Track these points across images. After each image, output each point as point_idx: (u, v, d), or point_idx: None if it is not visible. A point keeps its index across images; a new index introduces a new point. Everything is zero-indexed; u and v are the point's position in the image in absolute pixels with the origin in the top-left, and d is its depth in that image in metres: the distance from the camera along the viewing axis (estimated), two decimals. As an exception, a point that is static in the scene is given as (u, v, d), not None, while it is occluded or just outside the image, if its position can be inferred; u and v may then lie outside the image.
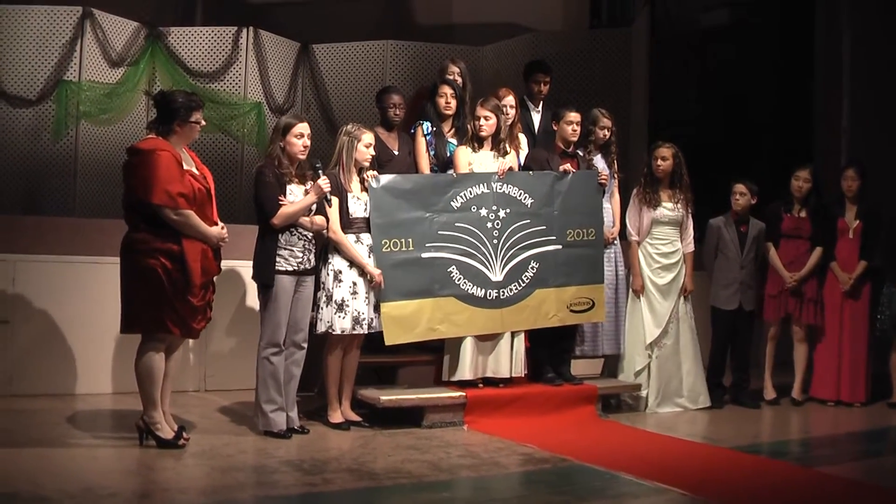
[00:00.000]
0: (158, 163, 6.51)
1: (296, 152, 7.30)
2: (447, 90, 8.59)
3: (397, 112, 8.57)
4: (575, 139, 8.69)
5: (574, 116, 8.62)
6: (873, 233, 9.64)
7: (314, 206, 7.36)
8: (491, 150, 8.41)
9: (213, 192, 6.92)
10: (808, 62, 14.16)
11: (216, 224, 6.82)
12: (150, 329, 6.64)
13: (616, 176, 9.06)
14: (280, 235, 7.22)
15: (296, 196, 7.28)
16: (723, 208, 9.73)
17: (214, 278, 6.93)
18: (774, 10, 15.10)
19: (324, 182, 7.28)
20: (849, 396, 9.59)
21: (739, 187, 9.55)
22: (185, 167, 6.69)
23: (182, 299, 6.56)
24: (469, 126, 8.48)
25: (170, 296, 6.52)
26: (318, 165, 7.40)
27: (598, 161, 8.89)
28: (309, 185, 7.38)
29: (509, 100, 8.65)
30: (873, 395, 9.67)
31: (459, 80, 8.84)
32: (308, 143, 7.36)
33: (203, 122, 6.88)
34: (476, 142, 8.38)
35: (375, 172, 7.87)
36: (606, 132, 8.92)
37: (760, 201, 9.67)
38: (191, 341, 8.65)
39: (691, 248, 9.23)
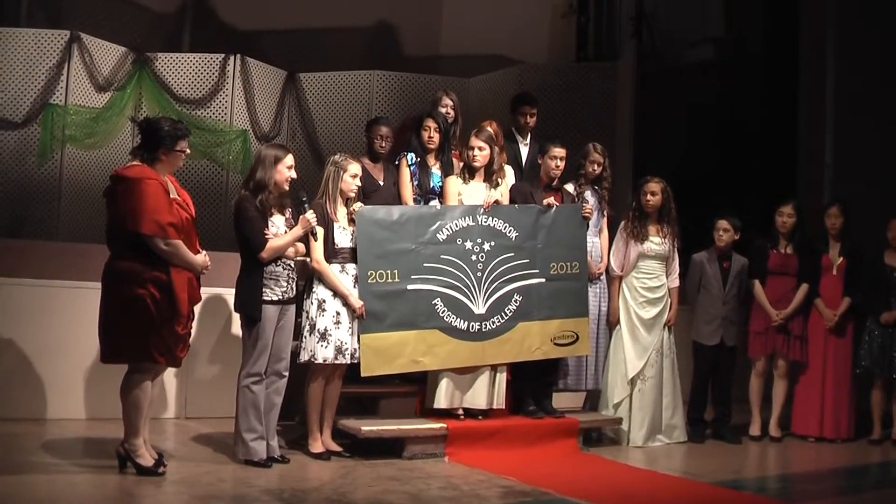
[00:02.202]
0: (146, 192, 6.48)
1: (283, 182, 7.30)
2: (431, 124, 8.59)
3: (383, 144, 8.61)
4: (557, 174, 8.67)
5: (558, 152, 8.62)
6: (857, 270, 9.67)
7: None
8: (483, 181, 8.42)
9: (194, 218, 6.91)
10: (792, 98, 14.24)
11: (199, 252, 6.80)
12: (135, 359, 6.61)
13: (606, 213, 9.07)
14: (265, 267, 7.22)
15: (278, 226, 7.28)
16: (706, 243, 9.74)
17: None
18: (759, 46, 15.21)
19: (311, 216, 7.29)
20: (831, 433, 9.59)
21: (723, 223, 9.57)
22: (171, 195, 6.67)
23: (169, 328, 6.53)
24: (461, 156, 8.50)
25: (157, 325, 6.49)
26: (304, 199, 7.39)
27: (589, 196, 8.91)
28: (289, 213, 7.38)
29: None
30: (856, 431, 9.67)
31: (452, 112, 8.86)
32: (294, 175, 7.37)
33: (188, 151, 6.86)
34: (468, 172, 8.40)
35: (360, 204, 7.87)
36: (597, 167, 8.93)
37: (744, 236, 9.69)
38: (172, 368, 8.65)
39: (676, 283, 9.25)
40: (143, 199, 6.47)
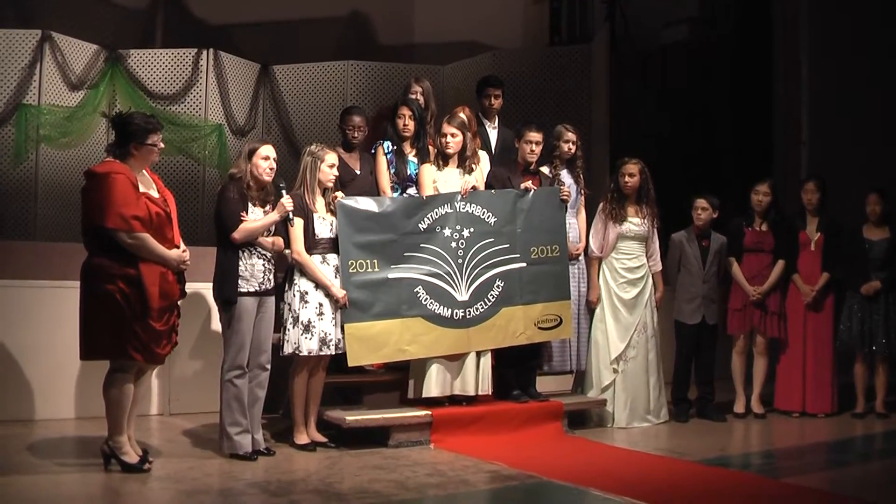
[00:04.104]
0: (112, 186, 6.46)
1: (260, 174, 7.28)
2: (406, 111, 8.58)
3: (356, 135, 8.60)
4: (533, 159, 8.67)
5: (534, 136, 8.60)
6: (835, 245, 9.72)
7: (273, 227, 7.35)
8: (457, 167, 8.42)
9: (174, 215, 6.87)
10: (767, 76, 14.29)
11: (177, 247, 6.77)
12: (111, 356, 6.58)
13: (583, 192, 9.08)
14: (241, 254, 7.19)
15: (256, 216, 7.26)
16: (684, 223, 9.76)
17: (179, 302, 6.89)
18: (733, 25, 15.23)
19: (287, 201, 7.29)
20: (814, 407, 9.66)
21: (701, 202, 9.59)
22: (143, 190, 6.62)
23: (143, 324, 6.48)
24: (435, 143, 8.50)
25: (129, 321, 6.44)
26: (281, 185, 7.39)
27: (565, 177, 8.92)
28: (269, 207, 7.37)
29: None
30: (840, 406, 9.73)
31: (422, 99, 8.85)
32: (274, 165, 7.35)
33: (161, 145, 6.80)
34: (441, 159, 8.39)
35: (342, 194, 7.86)
36: (571, 146, 8.95)
37: (722, 215, 9.71)
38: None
39: (659, 266, 9.29)
40: (108, 193, 6.44)
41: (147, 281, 6.49)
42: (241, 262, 7.19)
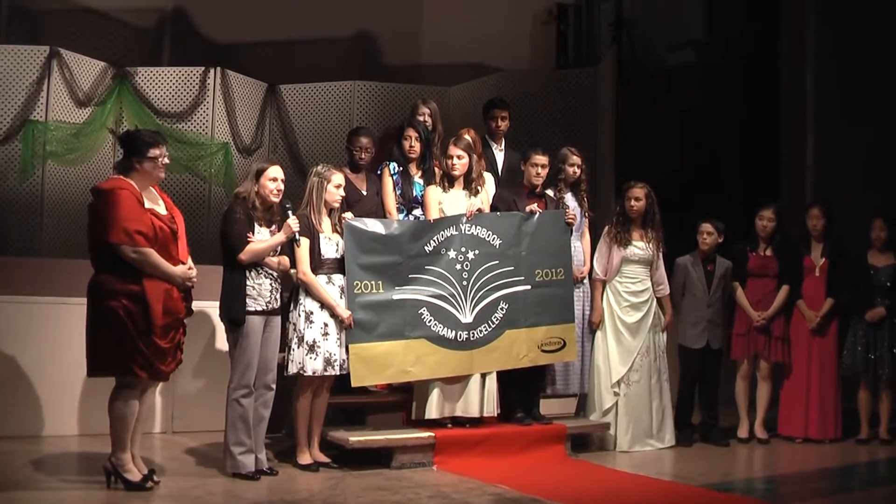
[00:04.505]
0: (116, 202, 6.48)
1: (268, 194, 7.29)
2: (412, 133, 8.61)
3: (363, 156, 8.62)
4: (539, 182, 8.68)
5: (540, 159, 8.61)
6: (840, 270, 9.70)
7: (279, 247, 7.36)
8: (462, 189, 8.42)
9: (182, 232, 6.88)
10: (773, 100, 14.29)
11: (184, 264, 6.76)
12: (116, 372, 6.59)
13: (587, 215, 9.08)
14: (248, 273, 7.20)
15: (262, 237, 7.27)
16: (690, 247, 9.76)
17: (185, 320, 6.89)
18: (740, 49, 15.23)
19: (293, 222, 7.30)
20: (818, 433, 9.62)
21: (706, 226, 9.59)
22: (148, 205, 6.65)
23: (147, 341, 6.48)
24: (440, 165, 8.51)
25: (134, 338, 6.45)
26: (288, 206, 7.40)
27: (569, 200, 8.92)
28: (274, 227, 7.38)
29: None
30: (844, 432, 9.70)
31: (430, 120, 8.87)
32: (281, 187, 7.36)
33: (165, 160, 6.77)
34: (447, 181, 8.40)
35: (351, 214, 7.87)
36: (576, 170, 8.95)
37: (727, 239, 9.71)
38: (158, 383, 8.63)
39: (667, 290, 9.28)
40: (112, 208, 6.47)
41: (151, 297, 6.49)
42: (248, 282, 7.20)
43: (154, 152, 6.71)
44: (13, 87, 11.61)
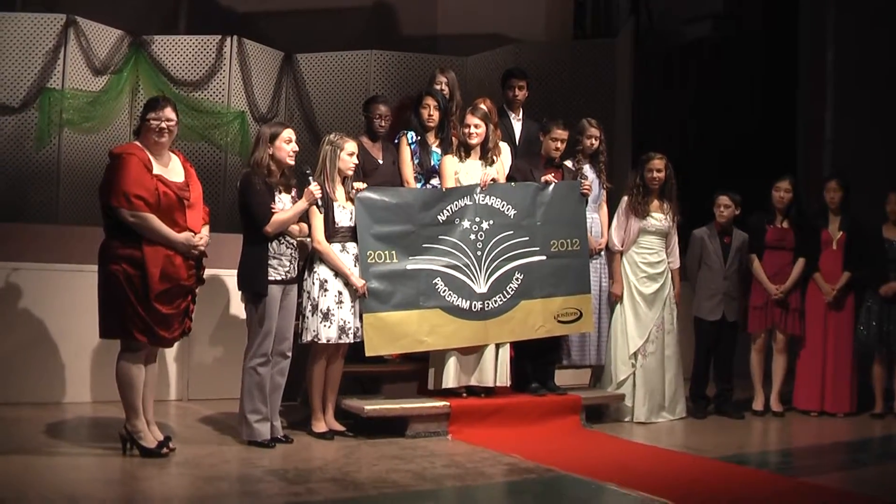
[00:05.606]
0: (121, 166, 6.53)
1: (283, 157, 7.28)
2: (430, 102, 8.58)
3: (382, 123, 8.60)
4: (557, 156, 8.68)
5: (560, 133, 8.60)
6: (856, 244, 9.66)
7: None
8: (479, 159, 8.40)
9: (197, 201, 6.85)
10: (792, 73, 14.22)
11: (194, 233, 6.74)
12: (118, 335, 6.64)
13: (605, 186, 9.07)
14: (269, 244, 7.20)
15: (284, 204, 7.27)
16: (706, 219, 9.73)
17: (198, 288, 6.90)
18: (758, 21, 15.17)
19: (315, 188, 7.30)
20: (833, 407, 9.61)
21: (723, 199, 9.56)
22: (157, 171, 6.65)
23: (146, 306, 6.50)
24: (457, 134, 8.48)
25: (133, 302, 6.47)
26: (307, 171, 7.39)
27: (588, 171, 8.90)
28: (294, 192, 7.37)
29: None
30: (858, 406, 9.69)
31: (447, 89, 8.84)
32: (296, 148, 7.35)
33: (164, 122, 6.70)
34: (464, 150, 8.37)
35: (363, 185, 7.86)
36: (594, 141, 8.93)
37: (744, 212, 9.68)
38: (174, 350, 8.66)
39: (677, 264, 9.28)
40: (116, 172, 6.52)
41: (149, 262, 6.50)
42: (269, 251, 7.20)
43: (151, 114, 6.71)
44: (30, 56, 11.58)
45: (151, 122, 6.71)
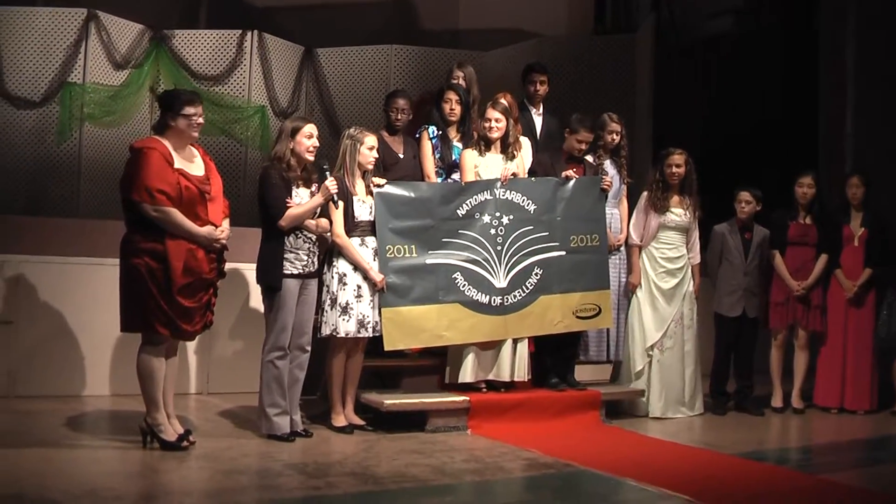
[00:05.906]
0: (143, 160, 6.52)
1: (303, 152, 7.29)
2: (452, 96, 8.59)
3: (399, 117, 8.62)
4: (578, 155, 8.68)
5: (585, 135, 8.59)
6: (879, 240, 9.62)
7: (318, 209, 7.36)
8: (499, 153, 8.39)
9: (215, 194, 6.85)
10: (812, 69, 14.15)
11: (215, 226, 6.74)
12: (140, 329, 6.64)
13: (626, 181, 9.06)
14: (286, 238, 7.21)
15: (302, 199, 7.27)
16: (727, 215, 9.71)
17: (220, 282, 6.91)
18: (779, 17, 15.09)
19: (331, 183, 7.27)
20: (853, 404, 9.57)
21: (744, 195, 9.54)
22: (178, 165, 6.65)
23: (169, 299, 6.51)
24: (477, 128, 8.48)
25: (156, 296, 6.48)
26: (325, 167, 7.39)
27: (609, 167, 8.89)
28: (315, 187, 7.38)
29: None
30: (879, 403, 9.65)
31: (464, 84, 8.84)
32: (317, 143, 7.36)
33: (199, 119, 6.77)
34: (484, 144, 8.36)
35: (382, 180, 7.87)
36: (615, 136, 8.93)
37: (765, 208, 9.65)
38: (194, 344, 8.69)
39: (698, 259, 9.25)
40: (138, 167, 6.51)
41: (172, 256, 6.50)
42: (286, 245, 7.21)
43: (189, 110, 6.71)
44: (51, 50, 11.65)
45: (192, 117, 6.73)
